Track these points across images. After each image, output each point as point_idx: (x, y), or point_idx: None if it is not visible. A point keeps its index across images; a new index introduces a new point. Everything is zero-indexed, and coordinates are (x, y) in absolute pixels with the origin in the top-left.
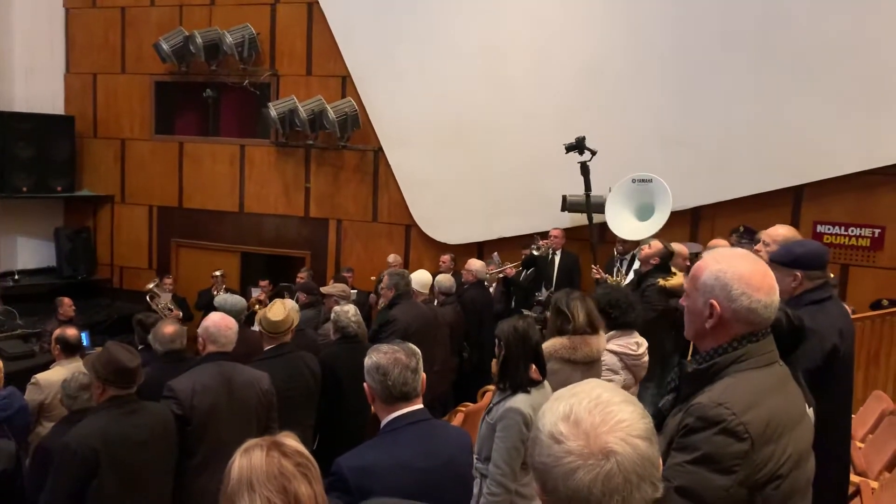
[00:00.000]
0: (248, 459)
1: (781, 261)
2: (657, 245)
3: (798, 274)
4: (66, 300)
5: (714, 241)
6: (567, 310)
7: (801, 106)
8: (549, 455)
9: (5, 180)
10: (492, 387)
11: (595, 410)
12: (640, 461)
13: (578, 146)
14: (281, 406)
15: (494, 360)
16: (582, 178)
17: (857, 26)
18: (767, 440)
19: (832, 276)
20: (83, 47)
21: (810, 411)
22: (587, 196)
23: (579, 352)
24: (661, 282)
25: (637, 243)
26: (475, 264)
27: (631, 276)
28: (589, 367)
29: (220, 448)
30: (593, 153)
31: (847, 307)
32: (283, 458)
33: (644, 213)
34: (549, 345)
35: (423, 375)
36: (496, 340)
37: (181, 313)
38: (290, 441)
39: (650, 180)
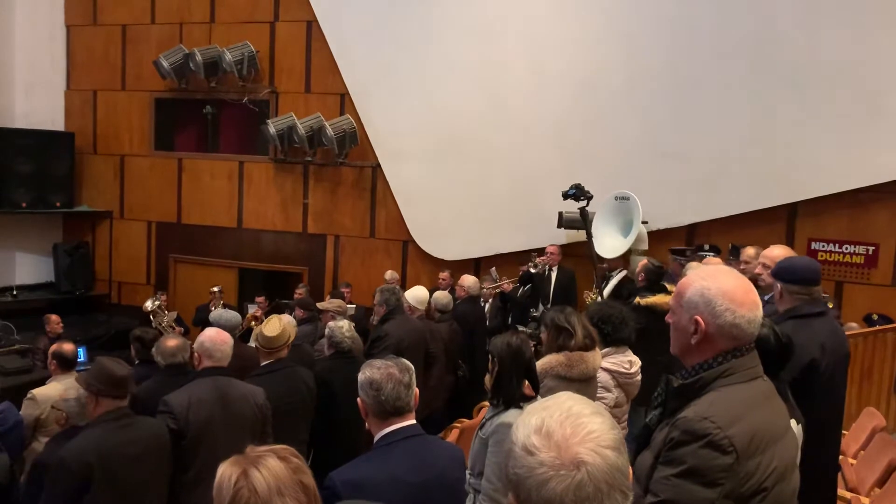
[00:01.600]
0: (268, 469)
1: (771, 273)
2: (643, 263)
3: (779, 286)
4: (53, 317)
5: (708, 259)
6: (569, 325)
7: (796, 123)
8: (523, 466)
9: (4, 195)
10: (487, 403)
11: (566, 422)
12: (609, 471)
13: (577, 194)
14: (277, 421)
15: (488, 376)
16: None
17: (850, 44)
18: (752, 453)
19: (826, 294)
20: (84, 64)
21: (798, 427)
22: (588, 235)
23: (575, 369)
24: (638, 300)
25: (627, 261)
26: (468, 280)
27: (606, 292)
28: (585, 384)
29: (214, 463)
30: (590, 198)
31: (853, 325)
32: (290, 457)
33: (628, 229)
34: (544, 362)
35: (416, 390)
36: (489, 356)
37: (183, 330)
38: (274, 447)
39: (628, 198)
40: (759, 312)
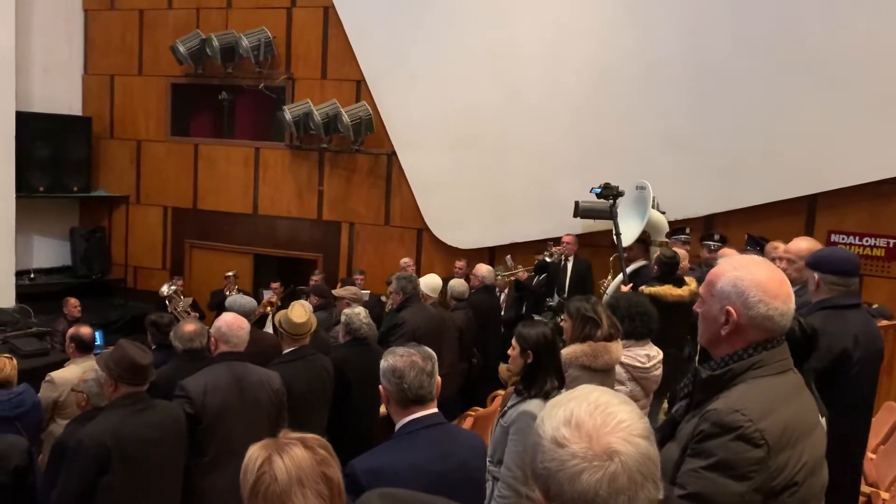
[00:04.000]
0: (291, 458)
1: (807, 262)
2: (656, 254)
3: (815, 276)
4: (72, 300)
5: (724, 251)
6: (596, 315)
7: (815, 113)
8: (553, 459)
9: (23, 180)
10: (502, 391)
11: (595, 413)
12: (643, 460)
13: (603, 192)
14: (300, 408)
15: (503, 365)
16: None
17: (871, 34)
18: (783, 447)
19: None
20: (101, 49)
21: (823, 420)
22: (616, 233)
23: (600, 359)
24: (642, 288)
25: (647, 251)
26: (482, 269)
27: (612, 285)
28: (606, 374)
29: (230, 447)
30: (619, 195)
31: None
32: (318, 447)
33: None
34: (569, 352)
35: (439, 379)
36: (520, 347)
37: (199, 315)
38: (304, 434)
39: (644, 187)
40: (792, 305)
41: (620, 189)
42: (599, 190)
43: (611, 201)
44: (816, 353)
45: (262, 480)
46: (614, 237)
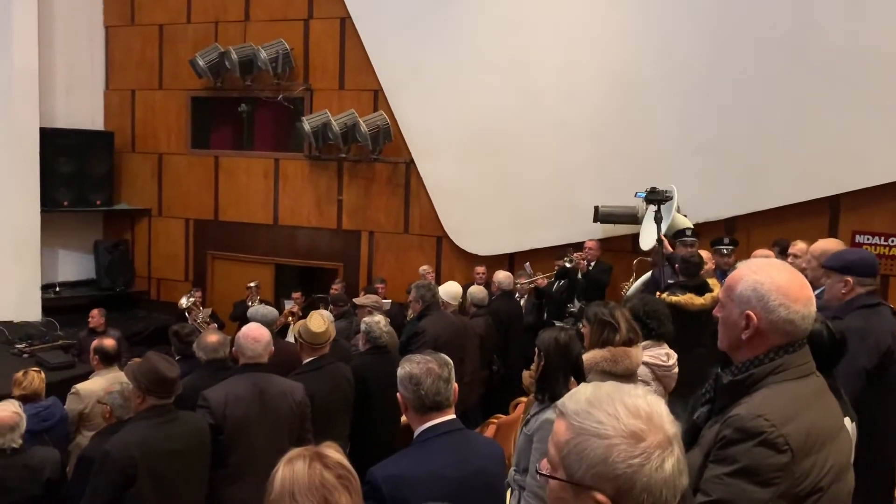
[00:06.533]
0: (291, 469)
1: (833, 266)
2: (682, 256)
3: (849, 279)
4: (93, 311)
5: (758, 252)
6: (613, 320)
7: (837, 114)
8: (637, 455)
9: (47, 195)
10: (524, 399)
11: (649, 401)
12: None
13: (656, 198)
14: (322, 417)
15: (526, 372)
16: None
17: (892, 33)
18: (808, 452)
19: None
20: (122, 64)
21: (852, 425)
22: (659, 235)
23: (620, 364)
24: (666, 296)
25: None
26: (500, 275)
27: (633, 288)
28: (628, 380)
29: (251, 458)
30: (665, 199)
31: None
32: (325, 469)
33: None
34: (588, 357)
35: (455, 385)
36: (536, 350)
37: (217, 326)
38: (333, 452)
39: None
40: (813, 308)
41: (668, 192)
42: (644, 194)
43: (656, 206)
44: (866, 352)
45: (268, 487)
46: (656, 242)
